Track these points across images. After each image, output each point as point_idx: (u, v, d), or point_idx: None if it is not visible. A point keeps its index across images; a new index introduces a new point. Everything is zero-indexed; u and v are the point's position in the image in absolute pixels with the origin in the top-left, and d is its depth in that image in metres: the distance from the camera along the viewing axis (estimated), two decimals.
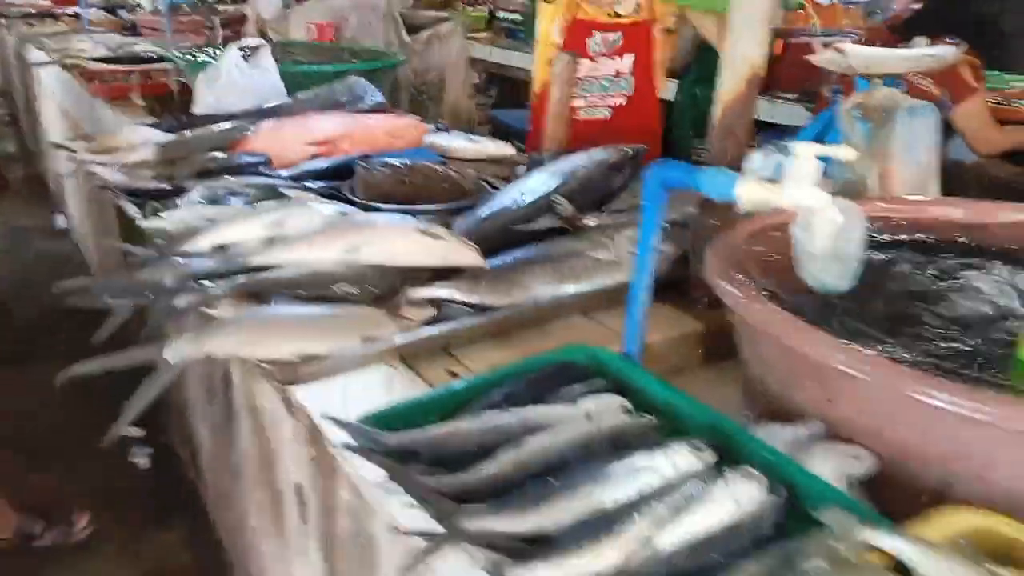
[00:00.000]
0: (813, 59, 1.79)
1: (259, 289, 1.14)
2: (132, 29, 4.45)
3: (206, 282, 1.13)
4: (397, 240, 1.19)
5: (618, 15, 2.28)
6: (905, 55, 1.68)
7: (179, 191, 1.60)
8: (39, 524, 2.39)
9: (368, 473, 0.85)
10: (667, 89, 3.12)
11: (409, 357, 1.15)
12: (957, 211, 1.32)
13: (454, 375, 1.15)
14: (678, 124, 3.39)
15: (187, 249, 1.22)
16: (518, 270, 1.31)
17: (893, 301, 1.12)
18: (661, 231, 1.42)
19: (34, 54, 4.07)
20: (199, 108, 2.28)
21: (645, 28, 2.29)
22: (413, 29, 3.36)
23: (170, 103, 2.79)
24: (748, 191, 0.95)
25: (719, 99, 1.25)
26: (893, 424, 0.89)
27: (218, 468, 2.43)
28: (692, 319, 1.31)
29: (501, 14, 5.29)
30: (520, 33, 4.85)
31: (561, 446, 0.86)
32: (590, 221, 1.44)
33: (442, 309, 1.25)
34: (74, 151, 1.79)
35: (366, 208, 1.48)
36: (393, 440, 0.86)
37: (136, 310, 1.12)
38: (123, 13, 4.85)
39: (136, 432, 3.05)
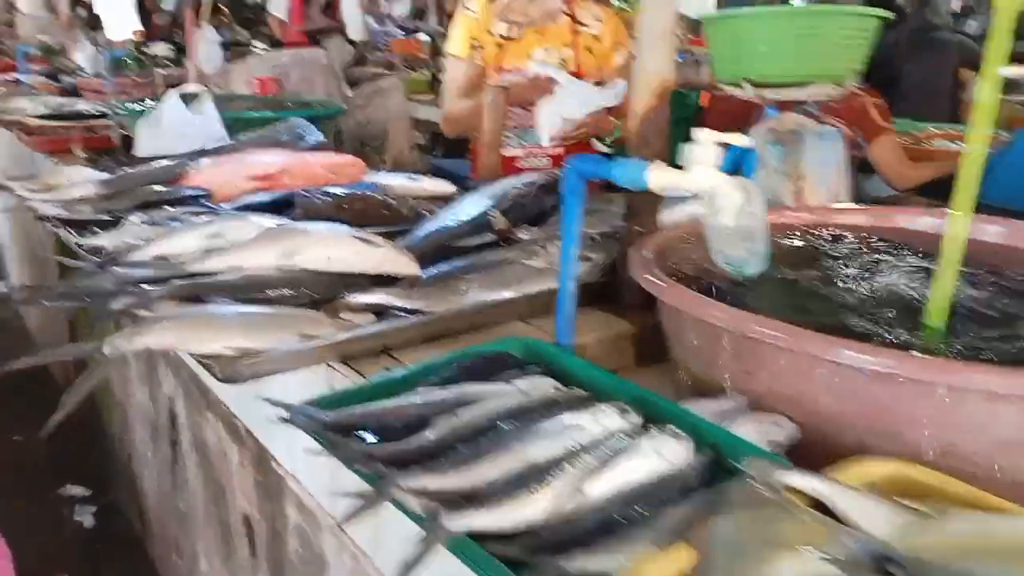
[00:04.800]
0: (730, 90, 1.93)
1: (196, 292, 1.15)
2: (73, 93, 4.46)
3: (144, 286, 1.14)
4: (332, 246, 1.22)
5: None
6: None
7: (118, 221, 1.61)
8: None
9: (312, 483, 0.83)
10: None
11: (348, 357, 1.18)
12: (861, 216, 1.44)
13: None
14: None
15: (125, 260, 1.23)
16: (454, 278, 1.35)
17: (807, 285, 1.19)
18: (591, 241, 1.49)
19: None
20: (140, 153, 2.28)
21: (579, 75, 2.29)
22: (355, 85, 3.45)
23: (112, 153, 2.79)
24: (657, 176, 1.02)
25: (634, 113, 1.33)
26: (809, 389, 0.94)
27: (165, 515, 2.36)
28: (623, 321, 1.36)
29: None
30: None
31: (495, 414, 0.89)
32: (523, 235, 1.50)
33: (381, 317, 1.28)
34: (12, 189, 1.78)
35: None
36: (330, 416, 0.88)
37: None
38: (64, 78, 4.86)
39: (81, 492, 2.96)
